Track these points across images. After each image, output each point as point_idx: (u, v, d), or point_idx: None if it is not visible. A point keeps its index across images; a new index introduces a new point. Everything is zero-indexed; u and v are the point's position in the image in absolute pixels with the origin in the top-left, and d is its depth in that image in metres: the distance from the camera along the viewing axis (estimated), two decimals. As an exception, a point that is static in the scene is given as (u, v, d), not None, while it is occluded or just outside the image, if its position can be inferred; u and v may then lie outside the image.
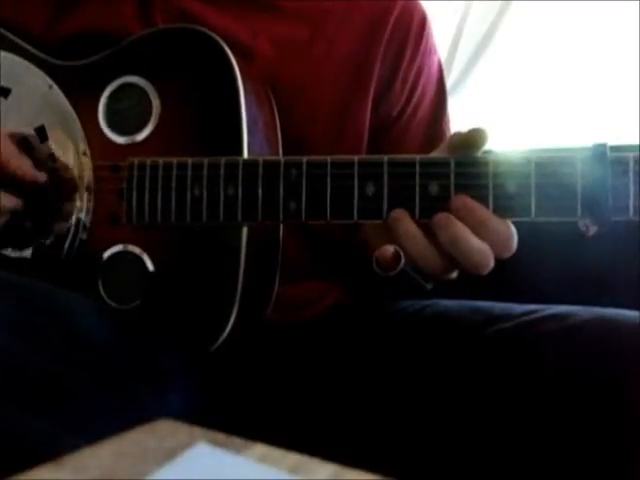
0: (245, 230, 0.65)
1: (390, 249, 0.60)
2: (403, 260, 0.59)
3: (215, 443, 0.33)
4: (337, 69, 0.77)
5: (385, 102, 0.80)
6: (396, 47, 0.79)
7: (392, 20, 0.79)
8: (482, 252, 0.56)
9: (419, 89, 0.82)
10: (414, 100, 0.82)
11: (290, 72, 0.75)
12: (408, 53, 0.80)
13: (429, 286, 0.69)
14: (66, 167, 0.70)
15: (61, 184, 0.70)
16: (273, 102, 0.72)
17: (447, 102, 0.86)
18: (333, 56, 0.77)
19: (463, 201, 0.57)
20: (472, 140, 0.58)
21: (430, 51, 0.83)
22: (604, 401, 0.58)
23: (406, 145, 0.81)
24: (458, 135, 0.59)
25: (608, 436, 0.57)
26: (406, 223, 0.58)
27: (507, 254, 0.57)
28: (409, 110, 0.82)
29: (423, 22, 0.81)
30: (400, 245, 0.58)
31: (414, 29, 0.80)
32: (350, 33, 0.78)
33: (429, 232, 0.58)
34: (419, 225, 0.58)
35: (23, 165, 0.69)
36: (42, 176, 0.69)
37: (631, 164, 0.54)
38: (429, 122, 0.84)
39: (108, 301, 0.67)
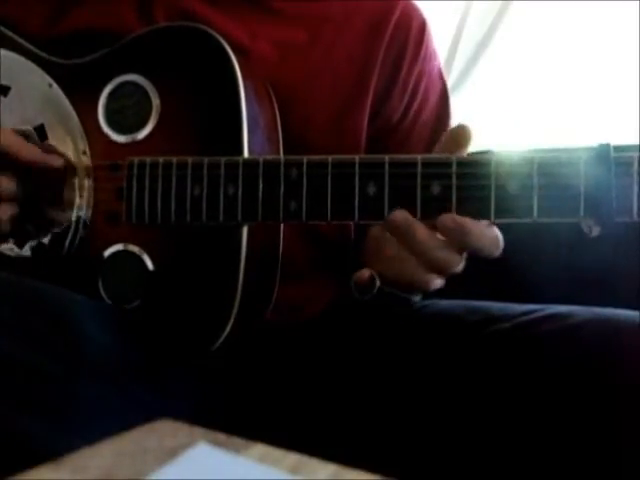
0: (245, 230, 0.64)
1: (366, 273, 0.64)
2: (378, 283, 0.63)
3: (215, 443, 0.33)
4: (336, 72, 0.77)
5: (385, 105, 0.80)
6: (396, 49, 0.79)
7: (393, 21, 0.78)
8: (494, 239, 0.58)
9: (420, 94, 0.82)
10: (415, 105, 0.82)
11: (288, 75, 0.75)
12: (408, 56, 0.80)
13: (415, 298, 0.69)
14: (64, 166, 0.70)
15: (59, 183, 0.70)
16: (274, 100, 0.72)
17: (450, 108, 0.86)
18: (332, 59, 0.77)
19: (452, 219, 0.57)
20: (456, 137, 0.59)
21: (430, 57, 0.83)
22: (603, 401, 0.58)
23: (409, 151, 0.81)
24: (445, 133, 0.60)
25: (607, 436, 0.57)
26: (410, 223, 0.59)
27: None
28: (411, 115, 0.82)
29: (422, 27, 0.81)
30: (412, 247, 0.59)
31: (414, 33, 0.80)
32: (350, 36, 0.78)
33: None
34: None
35: (34, 151, 0.69)
36: (57, 160, 0.69)
37: (635, 165, 0.54)
38: (432, 128, 0.84)
39: (108, 301, 0.67)
